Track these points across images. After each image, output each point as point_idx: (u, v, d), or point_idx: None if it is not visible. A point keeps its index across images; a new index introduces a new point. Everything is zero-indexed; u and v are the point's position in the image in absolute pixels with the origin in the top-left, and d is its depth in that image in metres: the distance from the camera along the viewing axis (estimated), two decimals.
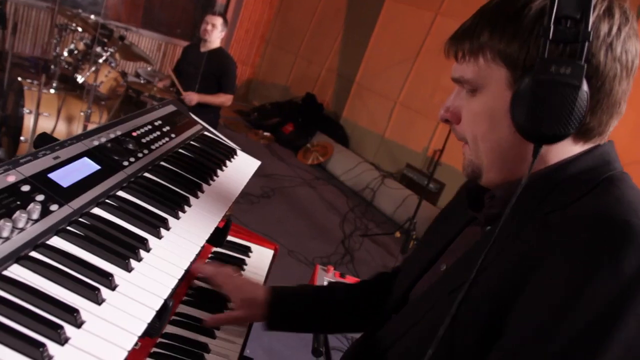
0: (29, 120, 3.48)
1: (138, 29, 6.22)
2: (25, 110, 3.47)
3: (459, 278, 0.75)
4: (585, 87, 0.66)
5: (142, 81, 4.32)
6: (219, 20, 4.29)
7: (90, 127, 3.61)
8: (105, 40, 3.76)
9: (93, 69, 3.52)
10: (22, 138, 3.52)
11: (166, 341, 1.18)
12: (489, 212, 0.84)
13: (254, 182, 4.06)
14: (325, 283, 1.98)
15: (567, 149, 0.77)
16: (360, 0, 7.26)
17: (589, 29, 0.66)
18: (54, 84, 3.68)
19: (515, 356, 0.65)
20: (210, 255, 1.56)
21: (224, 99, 4.39)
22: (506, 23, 0.73)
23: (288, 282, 1.33)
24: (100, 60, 3.60)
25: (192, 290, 1.38)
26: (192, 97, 4.16)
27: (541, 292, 0.65)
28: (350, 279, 2.05)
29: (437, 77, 6.06)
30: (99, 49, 3.59)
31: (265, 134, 7.02)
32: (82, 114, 3.50)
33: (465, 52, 0.78)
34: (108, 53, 3.71)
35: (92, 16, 4.03)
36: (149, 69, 4.71)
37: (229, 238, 1.68)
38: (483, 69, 0.76)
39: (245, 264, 1.61)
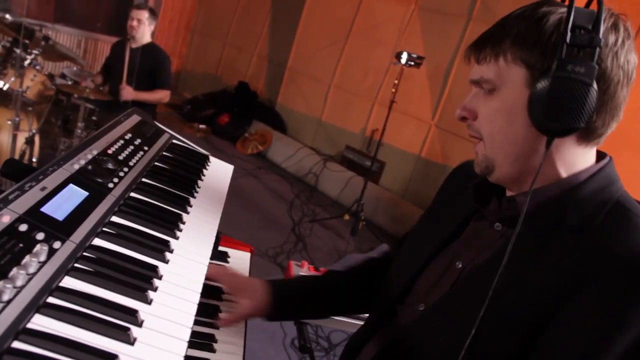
0: None
1: (53, 25, 5.79)
2: None
3: (488, 283, 0.80)
4: (595, 86, 0.76)
5: (69, 82, 4.06)
6: (144, 15, 4.07)
7: (21, 135, 3.37)
8: (27, 41, 3.49)
9: (17, 74, 3.26)
10: None
11: None
12: (506, 215, 0.90)
13: None
14: None
15: (572, 152, 0.85)
16: None
17: (600, 37, 0.76)
18: None
19: None
20: None
21: (161, 95, 4.21)
22: (527, 31, 0.81)
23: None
24: (25, 64, 3.34)
25: None
26: (129, 91, 3.96)
27: (583, 316, 0.74)
28: (325, 271, 2.05)
29: (368, 57, 6.12)
30: (18, 51, 3.32)
31: (201, 126, 6.84)
32: (9, 122, 3.26)
33: (487, 54, 0.85)
34: (32, 56, 3.45)
35: (8, 15, 3.72)
36: (74, 68, 4.42)
37: None
38: (503, 69, 0.83)
39: None
